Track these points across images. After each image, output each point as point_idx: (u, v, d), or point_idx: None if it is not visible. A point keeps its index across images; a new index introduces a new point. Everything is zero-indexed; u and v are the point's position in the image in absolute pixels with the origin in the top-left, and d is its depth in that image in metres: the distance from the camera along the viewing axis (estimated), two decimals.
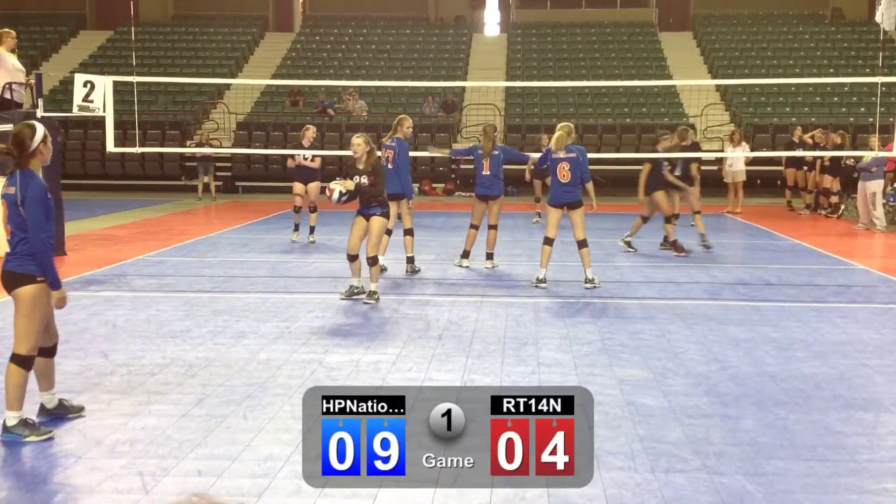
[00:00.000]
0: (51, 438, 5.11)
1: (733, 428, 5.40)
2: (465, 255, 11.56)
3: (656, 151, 13.25)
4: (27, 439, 5.07)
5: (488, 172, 11.11)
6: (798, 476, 4.66)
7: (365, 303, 9.03)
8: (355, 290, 9.29)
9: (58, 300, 5.21)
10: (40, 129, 5.20)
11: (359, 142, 9.15)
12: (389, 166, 10.62)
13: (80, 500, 4.40)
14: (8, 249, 5.19)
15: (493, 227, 11.32)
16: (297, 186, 13.87)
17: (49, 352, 5.43)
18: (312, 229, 13.89)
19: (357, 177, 9.05)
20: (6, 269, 5.16)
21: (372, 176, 9.05)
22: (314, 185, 13.82)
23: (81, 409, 5.58)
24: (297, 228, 13.97)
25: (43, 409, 5.45)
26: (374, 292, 9.15)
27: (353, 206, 9.26)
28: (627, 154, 21.83)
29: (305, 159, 13.74)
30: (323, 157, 14.60)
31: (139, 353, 7.11)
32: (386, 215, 9.31)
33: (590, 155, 11.03)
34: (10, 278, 5.14)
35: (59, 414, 5.44)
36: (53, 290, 5.15)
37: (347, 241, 9.30)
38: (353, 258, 9.26)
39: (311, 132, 13.78)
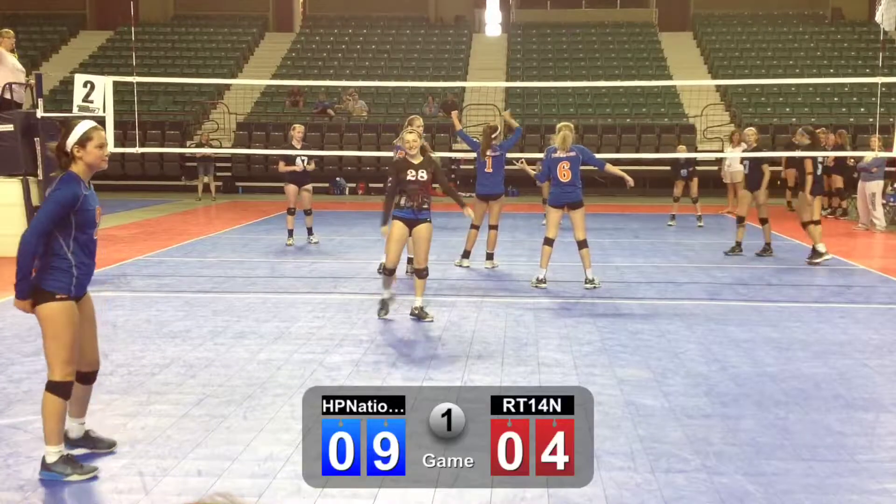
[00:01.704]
0: (95, 477, 4.61)
1: (733, 428, 5.40)
2: (466, 254, 11.56)
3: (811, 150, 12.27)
4: (69, 478, 4.55)
5: (490, 170, 11.14)
6: (798, 476, 4.66)
7: (428, 321, 8.30)
8: (390, 306, 8.52)
9: (19, 308, 4.62)
10: (78, 130, 4.67)
11: (413, 137, 8.29)
12: None
13: (81, 500, 4.39)
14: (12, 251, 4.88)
15: (493, 227, 11.33)
16: (291, 188, 13.34)
17: (85, 378, 4.87)
18: (310, 230, 13.81)
19: (412, 171, 8.24)
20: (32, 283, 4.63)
21: (429, 171, 8.30)
22: (308, 190, 13.48)
23: (113, 444, 4.99)
24: (291, 234, 13.51)
25: (66, 440, 4.82)
26: (424, 308, 8.48)
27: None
28: (641, 154, 21.83)
29: (302, 162, 13.28)
30: (321, 158, 14.17)
31: (139, 353, 7.11)
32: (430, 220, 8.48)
33: (600, 155, 11.01)
34: (34, 293, 4.61)
35: (84, 447, 4.88)
36: (15, 297, 4.58)
37: (386, 253, 8.40)
38: (393, 271, 8.47)
39: (299, 130, 13.26)
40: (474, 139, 11.56)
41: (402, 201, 8.30)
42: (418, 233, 8.34)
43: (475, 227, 11.37)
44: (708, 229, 16.22)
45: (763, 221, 12.68)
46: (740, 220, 12.87)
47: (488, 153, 11.14)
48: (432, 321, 8.32)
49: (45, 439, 4.64)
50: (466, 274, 11.10)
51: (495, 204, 11.23)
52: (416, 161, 8.30)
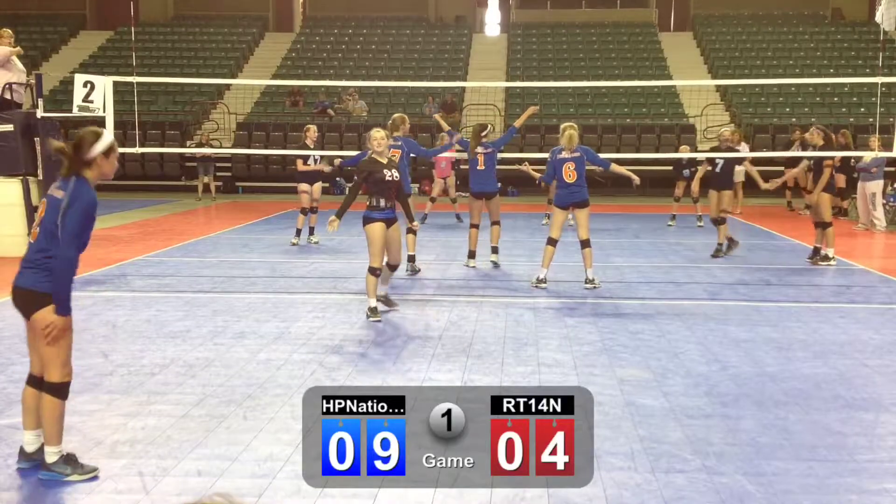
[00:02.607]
0: (95, 477, 4.59)
1: (733, 428, 5.39)
2: (472, 255, 11.57)
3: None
4: (69, 478, 4.54)
5: (483, 167, 11.19)
6: (798, 476, 4.65)
7: (395, 309, 8.70)
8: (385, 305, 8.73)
9: (61, 327, 4.50)
10: (106, 140, 4.60)
11: (381, 135, 8.37)
12: None
13: (80, 500, 4.39)
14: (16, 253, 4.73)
15: (495, 223, 11.41)
16: (304, 186, 13.50)
17: (40, 383, 4.67)
18: (312, 230, 13.86)
19: (387, 171, 8.28)
20: (22, 287, 4.51)
21: (397, 172, 8.43)
22: (319, 186, 13.71)
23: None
24: (298, 234, 13.61)
25: (22, 454, 4.72)
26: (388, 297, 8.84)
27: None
28: (641, 154, 21.82)
29: (317, 162, 13.51)
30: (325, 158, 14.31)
31: (139, 353, 7.11)
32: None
33: (603, 155, 11.03)
34: (29, 298, 4.50)
35: (40, 461, 4.67)
36: (58, 315, 4.49)
37: (371, 255, 8.34)
38: (381, 272, 8.50)
39: (313, 131, 13.53)
40: (465, 139, 11.63)
41: (382, 203, 8.30)
42: (394, 233, 8.45)
43: (475, 226, 11.40)
44: (708, 229, 16.19)
45: (718, 222, 12.65)
46: (721, 220, 12.85)
47: (479, 150, 11.18)
48: (397, 310, 8.72)
49: (46, 440, 4.63)
50: (466, 274, 11.10)
51: (491, 202, 11.26)
52: (384, 160, 8.35)
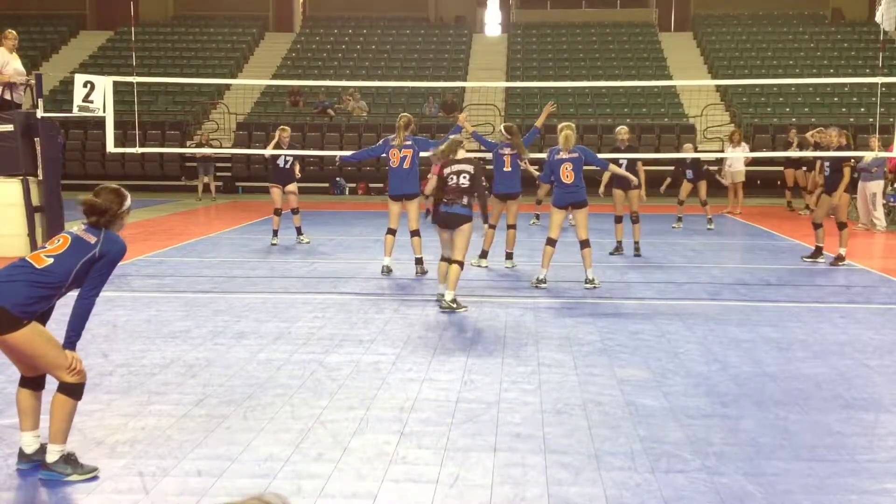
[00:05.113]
0: (95, 477, 4.57)
1: (733, 428, 5.39)
2: (484, 255, 11.56)
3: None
4: (69, 478, 4.54)
5: (509, 169, 11.17)
6: (798, 476, 4.65)
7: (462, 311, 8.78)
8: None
9: (73, 359, 4.58)
10: (129, 197, 4.90)
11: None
12: (406, 166, 10.73)
13: (80, 500, 4.39)
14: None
15: (511, 226, 11.41)
16: (275, 189, 13.61)
17: (35, 383, 4.72)
18: (299, 230, 13.90)
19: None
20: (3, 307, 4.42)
21: None
22: (293, 187, 13.68)
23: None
24: (275, 234, 13.68)
25: (22, 455, 4.72)
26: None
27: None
28: (641, 155, 21.79)
29: (287, 163, 13.58)
30: (302, 158, 14.09)
31: (139, 353, 7.10)
32: None
33: (602, 155, 11.06)
34: (8, 321, 4.43)
35: (40, 462, 4.68)
36: (68, 350, 4.58)
37: (465, 251, 9.00)
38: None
39: (287, 133, 13.48)
40: (491, 141, 11.66)
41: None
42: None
43: (492, 226, 11.38)
44: (713, 230, 16.22)
45: (618, 220, 12.89)
46: (618, 219, 12.94)
47: (507, 151, 11.17)
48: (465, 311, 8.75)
49: (51, 437, 4.62)
50: (466, 274, 11.06)
51: (513, 203, 11.28)
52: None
